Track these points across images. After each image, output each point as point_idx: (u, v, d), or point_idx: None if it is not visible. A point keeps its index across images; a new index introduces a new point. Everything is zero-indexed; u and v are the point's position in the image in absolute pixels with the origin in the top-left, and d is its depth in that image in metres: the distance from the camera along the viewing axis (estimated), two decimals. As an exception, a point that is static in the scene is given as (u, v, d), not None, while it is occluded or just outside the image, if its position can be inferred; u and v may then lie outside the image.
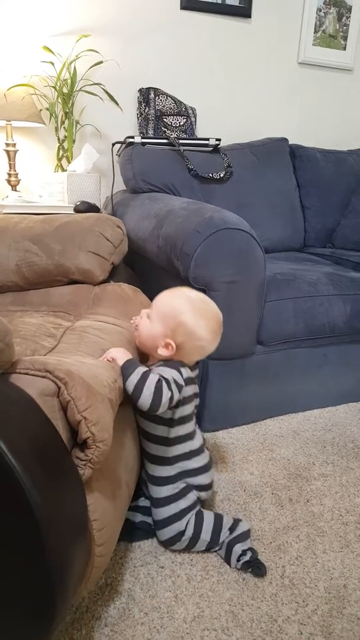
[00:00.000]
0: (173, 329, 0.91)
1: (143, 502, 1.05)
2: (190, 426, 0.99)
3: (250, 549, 0.96)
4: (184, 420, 0.97)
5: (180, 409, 0.96)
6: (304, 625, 0.84)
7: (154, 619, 0.84)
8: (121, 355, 0.89)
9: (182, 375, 0.91)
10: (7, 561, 0.60)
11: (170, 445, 0.97)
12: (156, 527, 0.98)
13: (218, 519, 0.99)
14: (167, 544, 0.98)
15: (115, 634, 0.81)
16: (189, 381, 0.95)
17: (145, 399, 0.84)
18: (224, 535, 0.97)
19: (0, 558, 0.60)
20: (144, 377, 0.85)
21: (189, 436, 0.99)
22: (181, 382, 0.90)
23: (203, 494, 1.02)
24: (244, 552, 0.94)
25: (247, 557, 0.94)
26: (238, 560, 0.94)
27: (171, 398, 0.86)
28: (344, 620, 0.85)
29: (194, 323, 0.91)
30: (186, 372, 0.93)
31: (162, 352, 0.93)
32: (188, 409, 0.98)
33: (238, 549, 0.95)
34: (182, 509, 0.97)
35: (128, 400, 0.95)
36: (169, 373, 0.89)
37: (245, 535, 0.98)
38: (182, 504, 0.97)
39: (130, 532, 1.01)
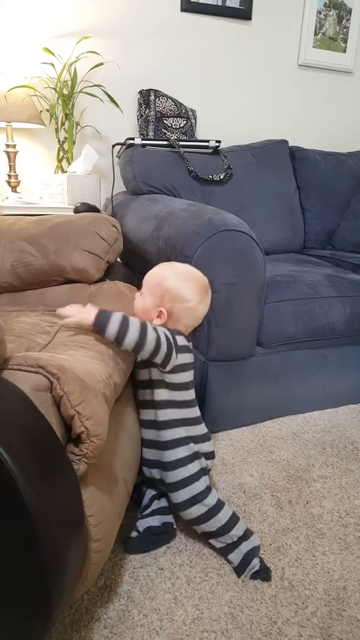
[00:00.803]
0: (160, 296, 0.97)
1: (157, 503, 1.03)
2: (192, 393, 1.02)
3: (259, 558, 0.95)
4: (186, 386, 1.00)
5: (179, 375, 0.97)
6: (304, 628, 0.83)
7: (154, 621, 0.83)
8: (81, 316, 0.89)
9: (174, 338, 0.94)
10: (1, 558, 0.59)
11: (178, 408, 0.98)
12: (172, 489, 0.96)
13: (235, 514, 0.97)
14: (185, 505, 0.94)
15: (115, 635, 0.80)
16: (184, 349, 0.97)
17: (131, 337, 0.87)
18: (237, 531, 0.94)
19: (-8, 555, 0.59)
20: (126, 319, 0.88)
21: (192, 403, 1.02)
22: (170, 338, 0.93)
23: (209, 462, 1.02)
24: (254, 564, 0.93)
25: (256, 567, 0.92)
26: (249, 571, 0.92)
27: (158, 339, 0.89)
28: (343, 622, 0.84)
29: (178, 285, 0.97)
30: (181, 340, 0.97)
31: (157, 322, 0.97)
32: (187, 376, 1.00)
33: (255, 563, 0.93)
34: (198, 470, 0.97)
35: (124, 397, 0.95)
36: (159, 329, 0.93)
37: (257, 550, 0.95)
38: (197, 465, 0.97)
39: (156, 539, 0.99)
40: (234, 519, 0.95)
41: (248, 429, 1.47)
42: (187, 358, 0.99)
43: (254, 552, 0.94)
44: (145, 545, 0.98)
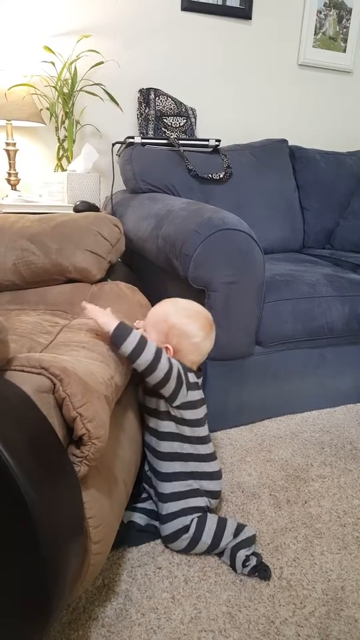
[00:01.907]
0: (165, 332, 0.97)
1: (149, 504, 1.04)
2: (204, 430, 1.02)
3: (254, 553, 0.95)
4: (198, 422, 1.00)
5: (190, 411, 0.98)
6: (302, 627, 0.83)
7: (151, 620, 0.84)
8: (105, 321, 0.90)
9: (186, 374, 0.95)
10: (2, 558, 0.59)
11: (184, 443, 0.99)
12: (161, 521, 0.98)
13: (221, 522, 0.98)
14: (169, 539, 0.97)
15: (112, 634, 0.81)
16: (194, 386, 0.98)
17: (144, 358, 0.87)
18: (227, 540, 0.96)
19: (-6, 556, 0.59)
20: (144, 339, 0.89)
21: (205, 439, 1.02)
22: (182, 373, 0.93)
23: (213, 502, 1.03)
24: (247, 558, 0.93)
25: (253, 563, 0.93)
26: (244, 566, 0.93)
27: (169, 371, 0.90)
28: (341, 622, 0.84)
29: (183, 321, 0.97)
30: (192, 377, 0.97)
31: None
32: (200, 412, 1.00)
33: (242, 554, 0.93)
34: (191, 507, 0.98)
35: (125, 399, 0.95)
36: (174, 362, 0.93)
37: (250, 540, 0.97)
38: (192, 502, 0.98)
39: (137, 536, 1.00)
40: (219, 532, 0.96)
41: (247, 428, 1.47)
42: (196, 395, 0.99)
43: (240, 545, 0.95)
44: (122, 538, 0.97)
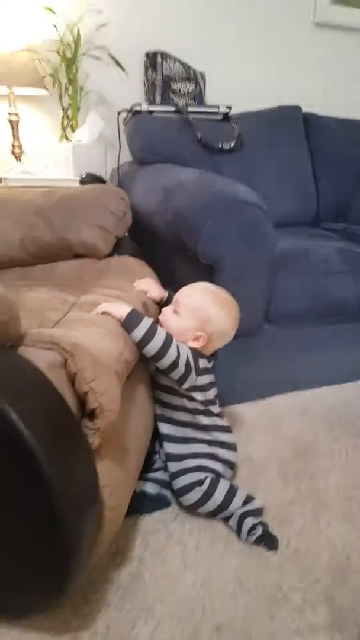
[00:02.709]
0: (204, 321, 0.98)
1: (161, 474, 1.07)
2: (215, 408, 1.06)
3: (261, 522, 0.97)
4: (209, 402, 1.04)
5: (200, 393, 1.01)
6: (308, 593, 0.86)
7: (164, 584, 0.87)
8: (116, 309, 0.92)
9: (196, 361, 0.96)
10: (23, 527, 0.62)
11: (200, 415, 1.03)
12: (174, 477, 1.02)
13: (233, 487, 1.01)
14: (183, 491, 1.00)
15: (128, 596, 0.84)
16: (203, 371, 1.00)
17: (153, 345, 0.90)
18: (235, 505, 0.98)
19: (17, 525, 0.62)
20: (154, 327, 0.91)
21: (219, 414, 1.07)
22: (192, 361, 0.95)
23: (229, 471, 1.06)
24: (254, 526, 0.96)
25: (259, 532, 0.95)
26: (250, 534, 0.95)
27: (176, 358, 0.91)
28: (346, 589, 0.87)
29: (220, 313, 0.99)
30: (203, 362, 0.99)
31: (193, 344, 0.98)
32: (209, 394, 1.04)
33: (249, 521, 0.96)
34: (206, 466, 1.01)
35: (135, 374, 0.96)
36: (182, 349, 0.94)
37: (257, 511, 0.99)
38: (207, 463, 1.02)
39: (148, 504, 1.03)
40: (230, 495, 0.99)
41: (255, 403, 1.48)
42: (205, 379, 1.01)
43: (248, 513, 0.98)
44: (134, 507, 0.98)
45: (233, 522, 0.99)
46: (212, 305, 0.99)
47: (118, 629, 0.78)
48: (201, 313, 0.98)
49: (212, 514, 1.00)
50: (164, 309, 1.04)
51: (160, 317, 1.02)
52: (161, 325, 0.99)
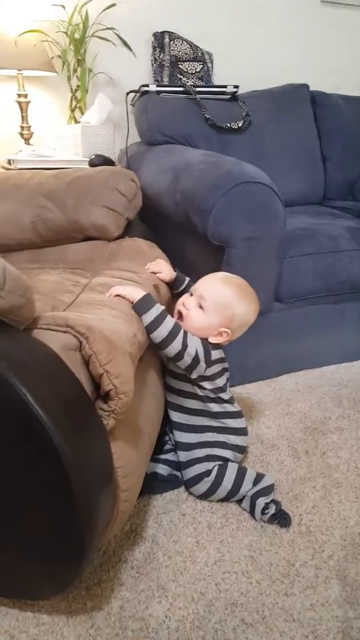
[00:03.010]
0: (230, 318, 0.97)
1: (172, 456, 1.08)
2: (226, 394, 1.05)
3: (273, 501, 0.99)
4: (218, 390, 1.03)
5: (208, 382, 1.01)
6: (320, 570, 0.87)
7: (178, 563, 0.88)
8: (130, 292, 0.92)
9: (207, 353, 0.96)
10: (40, 508, 0.63)
11: (211, 402, 1.03)
12: (183, 466, 1.03)
13: (241, 470, 1.02)
14: (191, 482, 1.01)
15: (141, 575, 0.86)
16: (217, 361, 1.00)
17: (159, 333, 0.90)
18: (246, 487, 1.00)
19: (33, 505, 0.63)
20: (163, 315, 0.91)
21: (228, 400, 1.06)
22: (201, 353, 0.95)
23: (238, 455, 1.07)
24: (267, 505, 0.97)
25: (272, 510, 0.96)
26: (263, 514, 0.96)
27: (181, 350, 0.92)
28: (359, 565, 0.88)
29: (247, 310, 0.99)
30: (216, 354, 0.99)
31: (216, 339, 0.98)
32: (219, 382, 1.03)
33: (261, 501, 0.97)
34: (215, 455, 1.02)
35: (147, 357, 0.97)
36: (192, 341, 0.94)
37: (269, 489, 1.00)
38: (216, 451, 1.03)
39: (159, 485, 1.04)
40: (239, 479, 1.00)
41: (265, 382, 1.49)
42: (216, 369, 1.00)
43: (260, 493, 0.99)
44: (145, 487, 0.99)
45: (246, 504, 1.00)
46: (238, 302, 0.97)
47: (132, 609, 0.80)
48: (228, 311, 0.97)
49: (224, 499, 1.02)
50: (187, 302, 1.00)
51: (183, 310, 0.99)
52: (182, 318, 0.99)
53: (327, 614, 0.79)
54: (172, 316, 0.97)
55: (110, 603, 0.81)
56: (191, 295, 1.01)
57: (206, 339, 0.98)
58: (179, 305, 1.00)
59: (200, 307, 0.97)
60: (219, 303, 0.97)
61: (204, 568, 0.87)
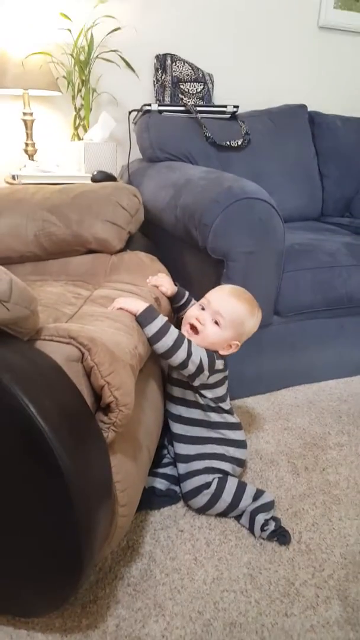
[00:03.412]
0: (242, 332, 1.01)
1: (171, 470, 1.07)
2: (226, 405, 1.06)
3: (273, 517, 0.98)
4: (219, 399, 1.04)
5: (209, 391, 1.02)
6: (321, 589, 0.86)
7: (175, 580, 0.87)
8: (132, 304, 0.93)
9: (212, 362, 0.97)
10: (37, 521, 0.62)
11: (212, 412, 1.04)
12: (182, 479, 1.03)
13: (241, 485, 1.01)
14: (190, 495, 1.00)
15: (138, 593, 0.84)
16: (219, 370, 1.01)
17: (163, 344, 0.91)
18: (246, 502, 0.99)
19: (31, 518, 0.62)
20: (166, 326, 0.93)
21: (228, 411, 1.06)
22: (205, 362, 0.95)
23: (237, 469, 1.06)
24: (266, 522, 0.96)
25: (272, 527, 0.95)
26: (262, 530, 0.95)
27: (185, 359, 0.93)
28: (359, 585, 0.87)
29: (255, 323, 1.03)
30: (220, 364, 1.00)
31: (226, 351, 1.01)
32: (219, 391, 1.04)
33: (261, 518, 0.96)
34: (214, 467, 1.02)
35: (147, 368, 0.97)
36: (196, 351, 0.95)
37: (269, 505, 0.99)
38: (215, 464, 1.02)
39: (157, 500, 1.03)
40: (239, 493, 0.99)
41: (264, 397, 1.49)
42: (216, 377, 1.02)
43: (259, 509, 0.98)
44: (143, 502, 0.98)
45: (245, 520, 0.99)
46: (249, 318, 1.00)
47: (128, 628, 0.78)
48: (241, 327, 1.00)
49: (223, 514, 1.01)
50: (201, 317, 0.99)
51: (198, 325, 0.99)
52: (196, 332, 0.99)
53: (327, 635, 0.78)
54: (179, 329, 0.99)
55: (106, 621, 0.79)
56: (202, 309, 1.01)
57: (214, 351, 0.99)
58: (190, 319, 1.00)
59: (216, 322, 0.98)
60: (235, 320, 0.99)
61: (202, 586, 0.86)
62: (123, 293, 1.01)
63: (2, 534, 0.66)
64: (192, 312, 1.02)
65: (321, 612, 0.82)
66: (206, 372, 0.96)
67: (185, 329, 1.01)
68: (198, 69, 2.00)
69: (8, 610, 0.77)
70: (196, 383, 0.99)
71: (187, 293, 1.17)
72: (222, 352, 1.00)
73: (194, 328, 0.99)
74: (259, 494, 1.01)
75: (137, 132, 1.79)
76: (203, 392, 1.01)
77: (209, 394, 1.02)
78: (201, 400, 1.02)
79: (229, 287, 1.05)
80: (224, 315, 0.97)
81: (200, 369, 0.95)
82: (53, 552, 0.64)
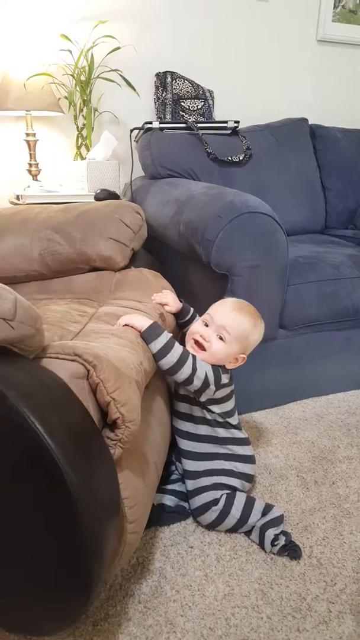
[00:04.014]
0: (246, 346, 1.02)
1: (179, 486, 1.07)
2: (234, 419, 1.06)
3: (283, 532, 0.97)
4: (226, 414, 1.04)
5: (217, 406, 1.02)
6: (333, 604, 0.85)
7: (186, 597, 0.86)
8: (138, 321, 0.94)
9: (218, 377, 0.97)
10: (45, 539, 0.62)
11: (220, 428, 1.04)
12: (191, 495, 1.02)
13: (250, 500, 1.01)
14: (199, 511, 1.00)
15: (149, 610, 0.84)
16: (225, 385, 1.01)
17: (168, 360, 0.92)
18: (255, 517, 0.98)
19: (39, 536, 0.62)
20: (171, 342, 0.93)
21: (236, 426, 1.06)
22: (211, 377, 0.96)
23: (246, 484, 1.06)
24: (276, 537, 0.95)
25: (282, 542, 0.95)
26: (273, 545, 0.95)
27: (190, 375, 0.93)
28: (372, 598, 0.86)
29: (259, 335, 1.04)
30: (225, 378, 1.00)
31: (232, 365, 1.02)
32: (226, 406, 1.04)
33: (271, 533, 0.96)
34: (222, 483, 1.01)
35: (153, 384, 0.97)
36: (201, 366, 0.95)
37: (278, 520, 0.99)
38: (224, 480, 1.02)
39: (166, 517, 1.03)
40: (248, 509, 0.98)
41: (271, 411, 1.48)
42: (223, 392, 1.02)
43: (269, 524, 0.97)
44: (152, 519, 0.98)
45: (255, 535, 0.98)
46: (254, 330, 1.01)
47: (140, 644, 0.78)
48: (246, 340, 1.00)
49: (232, 530, 1.00)
50: (205, 333, 0.99)
51: (204, 342, 0.99)
52: (202, 348, 0.99)
53: (341, 650, 0.77)
54: (183, 345, 0.99)
55: (118, 639, 0.79)
56: (205, 325, 1.01)
57: (220, 365, 1.00)
58: (194, 335, 1.01)
59: (221, 337, 0.98)
60: (241, 334, 0.99)
61: (213, 602, 0.85)
62: (128, 310, 1.02)
63: (10, 552, 0.66)
64: (196, 328, 1.02)
65: (334, 627, 0.81)
66: (212, 387, 0.96)
67: (190, 345, 1.01)
68: (198, 85, 2.03)
69: (20, 629, 0.77)
70: (203, 399, 0.99)
71: (192, 309, 1.18)
72: (229, 367, 1.01)
73: (198, 344, 1.00)
74: (267, 508, 1.00)
75: (139, 150, 1.82)
76: (211, 407, 1.01)
77: (216, 408, 1.02)
78: (209, 416, 1.02)
79: (230, 300, 1.05)
80: (229, 330, 0.98)
81: (206, 383, 0.95)
82: (62, 571, 0.64)
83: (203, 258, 1.25)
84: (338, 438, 1.34)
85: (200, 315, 1.06)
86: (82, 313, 1.02)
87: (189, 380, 0.94)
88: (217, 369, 0.98)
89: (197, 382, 0.94)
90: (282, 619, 0.82)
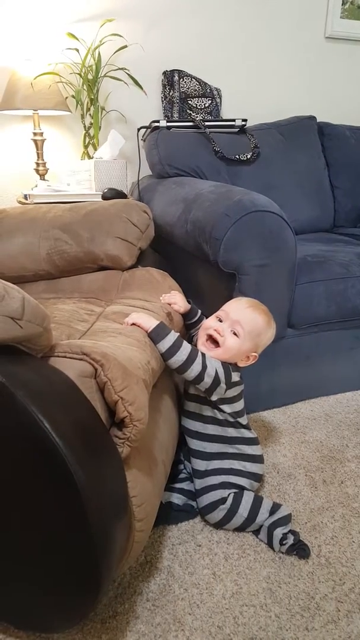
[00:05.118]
0: (258, 343, 1.03)
1: (187, 485, 1.07)
2: (244, 420, 1.06)
3: (291, 531, 0.97)
4: (237, 414, 1.04)
5: (227, 405, 1.02)
6: (342, 603, 0.85)
7: (194, 595, 0.86)
8: (145, 320, 0.94)
9: (228, 375, 0.97)
10: (54, 537, 0.62)
11: (230, 427, 1.04)
12: (198, 494, 1.03)
13: (257, 499, 1.00)
14: (207, 510, 1.00)
15: (157, 608, 0.84)
16: (235, 384, 1.01)
17: (177, 359, 0.92)
18: (262, 517, 0.98)
19: (47, 534, 0.63)
20: (179, 341, 0.93)
21: (246, 426, 1.06)
22: (222, 375, 0.96)
23: (255, 484, 1.06)
24: (285, 536, 0.95)
25: (290, 541, 0.94)
26: (281, 544, 0.95)
27: (200, 372, 0.93)
28: (382, 598, 0.85)
29: (271, 334, 1.05)
30: (235, 376, 1.00)
31: (244, 363, 1.03)
32: (237, 406, 1.04)
33: (279, 532, 0.95)
34: (230, 482, 1.01)
35: (160, 383, 0.97)
36: (211, 364, 0.95)
37: (286, 519, 0.98)
38: (232, 479, 1.02)
39: (174, 515, 1.03)
40: (255, 508, 0.98)
41: (280, 410, 1.48)
42: (234, 392, 1.02)
43: (277, 523, 0.97)
44: (160, 518, 0.98)
45: (263, 535, 0.98)
46: (267, 328, 1.02)
47: (148, 643, 0.78)
48: (258, 338, 1.01)
49: (240, 529, 1.00)
50: (219, 328, 0.99)
51: (218, 337, 0.99)
52: (216, 344, 1.00)
53: (350, 650, 0.77)
54: (197, 342, 1.01)
55: (126, 637, 0.79)
56: (220, 320, 1.02)
57: (232, 363, 1.00)
58: (208, 330, 1.01)
59: (235, 333, 0.99)
60: (254, 331, 1.00)
61: (221, 601, 0.85)
62: (135, 309, 1.02)
63: (19, 550, 0.66)
64: (210, 323, 1.02)
65: (342, 626, 0.80)
66: (223, 385, 0.96)
67: (202, 342, 1.01)
68: (205, 84, 2.03)
69: (28, 626, 0.77)
70: (214, 397, 0.99)
71: (199, 311, 1.18)
72: (241, 364, 1.02)
73: (211, 340, 1.00)
74: (275, 508, 1.00)
75: (146, 149, 1.82)
76: (222, 406, 1.01)
77: (227, 408, 1.02)
78: (220, 416, 1.02)
79: (245, 299, 1.07)
80: (244, 325, 0.99)
81: (216, 381, 0.95)
82: (70, 568, 0.64)
83: (210, 257, 1.25)
84: (347, 437, 1.34)
85: (208, 317, 1.06)
86: (90, 312, 1.02)
87: (200, 377, 0.94)
88: (227, 366, 0.98)
89: (207, 380, 0.94)
90: (290, 618, 0.82)
